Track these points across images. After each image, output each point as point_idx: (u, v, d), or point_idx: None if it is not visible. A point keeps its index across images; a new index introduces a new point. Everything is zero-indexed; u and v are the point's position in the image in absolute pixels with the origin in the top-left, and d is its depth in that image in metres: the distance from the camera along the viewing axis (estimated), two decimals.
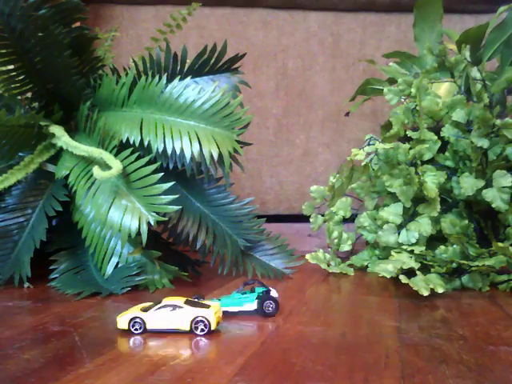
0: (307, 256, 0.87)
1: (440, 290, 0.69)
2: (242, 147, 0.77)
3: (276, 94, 1.31)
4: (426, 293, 0.68)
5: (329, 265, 0.89)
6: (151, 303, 0.58)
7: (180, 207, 0.71)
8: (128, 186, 0.72)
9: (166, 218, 0.71)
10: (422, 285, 0.69)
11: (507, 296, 0.72)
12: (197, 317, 0.54)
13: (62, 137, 0.79)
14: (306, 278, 0.84)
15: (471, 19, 1.29)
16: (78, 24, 0.85)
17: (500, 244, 0.72)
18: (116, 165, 0.69)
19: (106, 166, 0.72)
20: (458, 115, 0.83)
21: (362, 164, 0.88)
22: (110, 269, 0.76)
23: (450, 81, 0.93)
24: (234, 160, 0.78)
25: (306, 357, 0.47)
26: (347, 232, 0.97)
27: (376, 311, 0.63)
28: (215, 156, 0.74)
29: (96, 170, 0.69)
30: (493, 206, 0.79)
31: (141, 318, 0.54)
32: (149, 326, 0.54)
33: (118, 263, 0.76)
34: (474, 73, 0.89)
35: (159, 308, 0.55)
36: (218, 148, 0.74)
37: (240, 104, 0.89)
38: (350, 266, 0.91)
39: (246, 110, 0.79)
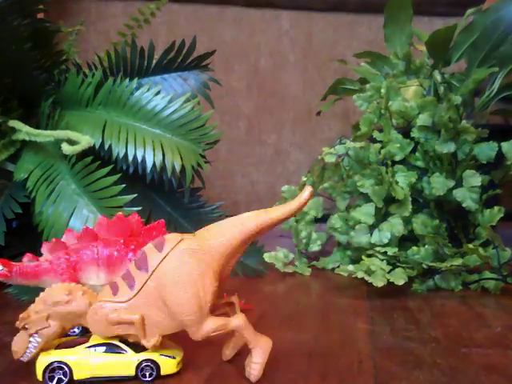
0: (265, 255, 0.86)
1: (400, 282, 0.70)
2: (206, 162, 0.75)
3: (247, 93, 1.29)
4: (380, 283, 0.69)
5: (292, 264, 0.88)
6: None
7: (143, 220, 0.69)
8: (89, 196, 0.69)
9: None
10: (380, 278, 0.70)
11: (478, 296, 0.73)
12: None
13: (23, 128, 0.75)
14: (277, 280, 0.82)
15: (440, 21, 1.31)
16: (40, 16, 0.81)
17: (470, 245, 0.73)
18: (85, 139, 0.66)
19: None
20: (423, 120, 0.83)
21: (329, 162, 0.87)
22: None
23: (417, 85, 0.94)
24: (197, 175, 0.76)
25: (277, 364, 0.46)
26: (318, 232, 0.96)
27: (348, 314, 0.62)
28: (177, 168, 0.72)
29: (65, 146, 0.66)
30: (463, 205, 0.79)
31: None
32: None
33: None
34: (436, 76, 0.90)
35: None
36: (182, 160, 0.72)
37: (210, 102, 0.87)
38: (312, 267, 0.90)
39: (215, 125, 0.77)
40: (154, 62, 0.83)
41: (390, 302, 0.68)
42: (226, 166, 1.27)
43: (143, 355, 0.42)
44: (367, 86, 0.90)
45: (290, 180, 1.28)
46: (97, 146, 0.73)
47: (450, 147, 0.80)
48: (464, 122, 0.80)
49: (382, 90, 0.85)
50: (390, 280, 0.70)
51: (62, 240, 0.53)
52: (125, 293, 0.41)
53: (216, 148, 0.87)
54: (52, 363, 0.40)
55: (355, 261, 0.88)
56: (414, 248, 0.79)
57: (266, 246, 0.87)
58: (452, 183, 0.80)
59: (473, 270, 0.79)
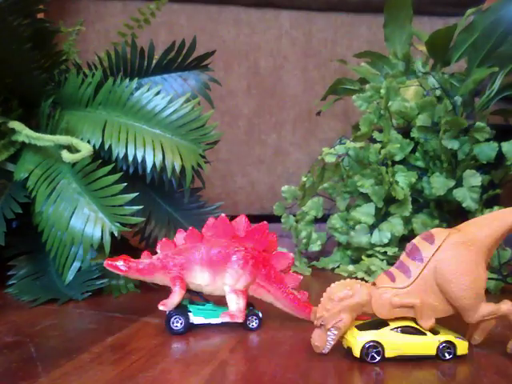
0: None
1: None
2: (206, 162, 0.75)
3: (247, 93, 1.29)
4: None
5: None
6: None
7: (144, 219, 0.70)
8: (90, 195, 0.69)
9: (130, 229, 0.69)
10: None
11: None
12: None
13: (22, 130, 0.75)
14: None
15: (440, 21, 1.31)
16: (40, 16, 0.81)
17: None
18: (86, 147, 0.66)
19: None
20: (423, 120, 0.83)
21: (329, 162, 0.87)
22: (71, 274, 0.72)
23: (416, 85, 0.94)
24: (197, 175, 0.76)
25: (276, 364, 0.46)
26: (319, 232, 0.96)
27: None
28: (177, 169, 0.72)
29: (65, 154, 0.66)
30: (463, 205, 0.79)
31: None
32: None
33: (80, 268, 0.73)
34: (431, 81, 0.90)
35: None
36: (182, 161, 0.72)
37: (210, 102, 0.87)
38: (312, 267, 0.90)
39: (215, 125, 0.77)
40: (154, 62, 0.83)
41: None
42: (225, 166, 1.27)
43: (442, 337, 0.47)
44: (367, 86, 0.90)
45: (290, 180, 1.28)
46: (97, 146, 0.73)
47: (454, 144, 0.80)
48: (479, 122, 0.80)
49: (382, 91, 0.85)
50: None
51: (174, 239, 0.57)
52: (403, 280, 0.47)
53: (216, 148, 0.87)
54: (368, 342, 0.46)
55: (355, 261, 0.88)
56: None
57: None
58: (452, 183, 0.80)
59: None
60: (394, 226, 0.79)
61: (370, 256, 0.77)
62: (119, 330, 0.55)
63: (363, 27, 1.32)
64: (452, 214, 0.85)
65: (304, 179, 0.90)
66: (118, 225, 0.67)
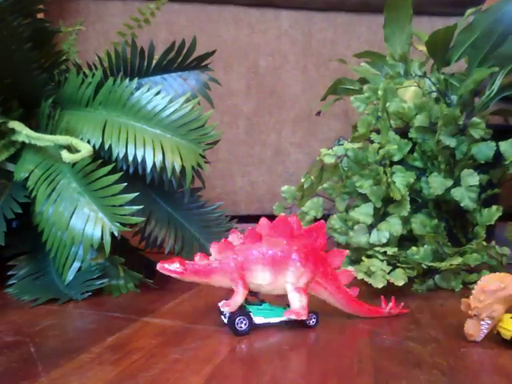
0: None
1: (400, 283, 0.70)
2: (206, 162, 0.76)
3: (247, 93, 1.29)
4: (380, 284, 0.69)
5: None
6: None
7: (144, 219, 0.70)
8: (90, 195, 0.69)
9: (130, 229, 0.69)
10: (380, 279, 0.70)
11: None
12: None
13: (22, 130, 0.75)
14: None
15: (440, 21, 1.31)
16: (40, 16, 0.81)
17: (484, 243, 0.73)
18: (86, 147, 0.67)
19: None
20: (420, 121, 0.83)
21: (327, 163, 0.87)
22: (71, 274, 0.72)
23: (415, 86, 0.94)
24: (197, 175, 0.76)
25: (276, 364, 0.46)
26: None
27: (348, 314, 0.62)
28: (177, 169, 0.72)
29: (65, 154, 0.66)
30: (461, 204, 0.79)
31: None
32: None
33: (80, 268, 0.73)
34: (428, 83, 0.90)
35: None
36: (182, 161, 0.72)
37: (210, 102, 0.87)
38: None
39: (215, 125, 0.77)
40: (154, 62, 0.83)
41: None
42: (225, 166, 1.27)
43: None
44: (364, 87, 0.90)
45: (290, 180, 1.28)
46: (97, 146, 0.73)
47: (451, 142, 0.80)
48: (475, 118, 0.81)
49: (380, 92, 0.85)
50: (390, 281, 0.70)
51: (227, 240, 0.56)
52: None
53: (216, 148, 0.87)
54: None
55: (355, 261, 0.88)
56: (414, 248, 0.79)
57: None
58: (450, 183, 0.80)
59: (472, 269, 0.79)
60: (393, 225, 0.79)
61: (369, 257, 0.77)
62: (119, 330, 0.55)
63: (363, 27, 1.32)
64: (450, 213, 0.86)
65: (302, 180, 0.90)
66: (118, 225, 0.67)
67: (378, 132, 0.87)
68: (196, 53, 0.84)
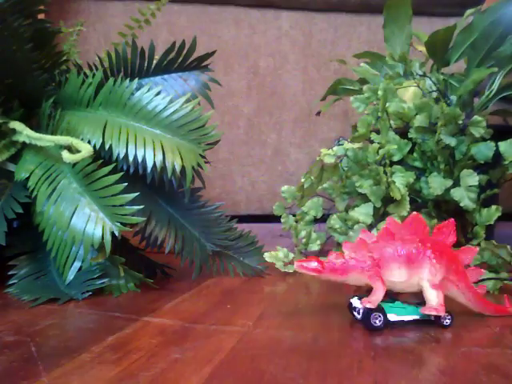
0: (266, 254, 0.86)
1: None
2: (206, 162, 0.76)
3: (247, 93, 1.29)
4: None
5: (292, 264, 0.88)
6: None
7: (144, 219, 0.70)
8: (91, 195, 0.69)
9: (130, 229, 0.69)
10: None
11: None
12: None
13: (23, 131, 0.76)
14: (277, 279, 0.83)
15: (439, 21, 1.31)
16: (41, 16, 0.81)
17: (493, 241, 0.73)
18: (86, 148, 0.67)
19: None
20: (420, 121, 0.83)
21: (327, 163, 0.88)
22: (71, 274, 0.72)
23: (415, 86, 0.94)
24: (198, 175, 0.76)
25: (276, 363, 0.46)
26: (318, 232, 0.97)
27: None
28: (177, 169, 0.72)
29: (65, 154, 0.66)
30: (461, 204, 0.80)
31: None
32: None
33: (80, 268, 0.73)
34: (429, 83, 0.90)
35: None
36: (182, 161, 0.72)
37: (210, 102, 0.88)
38: None
39: (216, 125, 0.77)
40: (155, 62, 0.83)
41: None
42: (225, 166, 1.27)
43: None
44: (364, 87, 0.91)
45: (290, 180, 1.28)
46: (97, 147, 0.74)
47: (452, 141, 0.80)
48: (476, 116, 0.81)
49: (379, 92, 0.85)
50: None
51: (360, 239, 0.57)
52: None
53: (216, 148, 0.87)
54: None
55: None
56: None
57: (266, 245, 0.88)
58: (450, 183, 0.80)
59: None
60: None
61: None
62: (120, 330, 0.55)
63: (363, 27, 1.32)
64: (450, 213, 0.86)
65: (302, 180, 0.90)
66: (118, 224, 0.67)
67: (377, 132, 0.88)
68: (196, 53, 0.84)
